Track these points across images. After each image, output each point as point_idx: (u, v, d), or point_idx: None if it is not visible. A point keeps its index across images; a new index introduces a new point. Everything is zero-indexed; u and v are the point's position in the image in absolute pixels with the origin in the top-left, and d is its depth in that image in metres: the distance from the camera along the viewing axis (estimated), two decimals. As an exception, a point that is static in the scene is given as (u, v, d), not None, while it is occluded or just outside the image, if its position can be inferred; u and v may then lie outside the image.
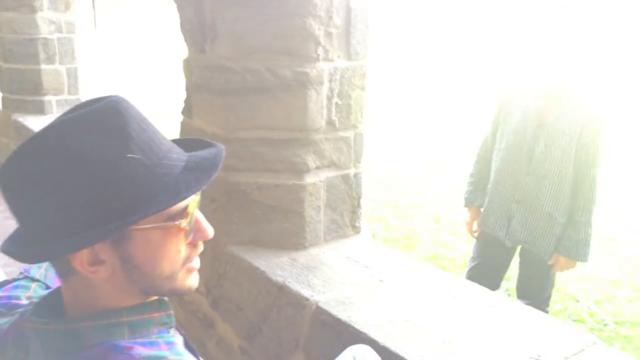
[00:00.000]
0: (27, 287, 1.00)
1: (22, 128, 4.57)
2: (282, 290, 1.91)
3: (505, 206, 2.44)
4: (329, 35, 1.99)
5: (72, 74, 4.89)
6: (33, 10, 4.60)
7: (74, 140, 0.68)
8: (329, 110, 2.08)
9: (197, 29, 2.08)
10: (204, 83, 2.12)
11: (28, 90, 4.77)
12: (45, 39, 4.69)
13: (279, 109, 2.03)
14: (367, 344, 1.45)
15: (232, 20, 1.97)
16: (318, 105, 2.04)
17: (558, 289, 3.51)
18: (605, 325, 3.21)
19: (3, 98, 4.99)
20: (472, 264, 2.64)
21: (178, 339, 0.78)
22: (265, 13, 1.93)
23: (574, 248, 2.37)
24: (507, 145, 2.43)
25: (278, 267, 2.02)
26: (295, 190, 2.10)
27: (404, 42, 15.82)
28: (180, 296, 1.36)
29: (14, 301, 0.93)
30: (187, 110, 2.28)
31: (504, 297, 2.13)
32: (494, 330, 1.61)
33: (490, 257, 2.58)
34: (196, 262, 0.85)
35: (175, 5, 2.16)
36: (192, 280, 0.84)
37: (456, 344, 1.53)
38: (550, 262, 2.43)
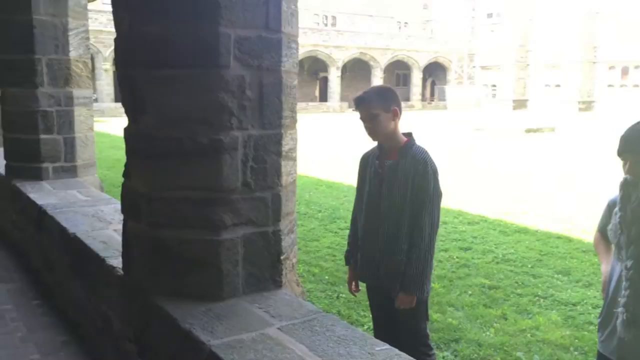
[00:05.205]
0: None
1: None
2: (187, 336, 2.08)
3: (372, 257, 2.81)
4: (242, 107, 2.26)
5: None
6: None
7: None
8: (244, 173, 2.32)
9: (130, 103, 2.38)
10: (136, 148, 2.40)
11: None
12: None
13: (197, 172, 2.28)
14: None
15: (156, 96, 2.26)
16: (233, 169, 2.28)
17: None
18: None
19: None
20: None
21: None
22: (184, 90, 2.22)
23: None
24: (366, 205, 2.82)
25: (190, 316, 2.19)
26: (213, 245, 2.31)
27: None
28: None
29: None
30: (127, 173, 2.55)
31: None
32: None
33: None
34: None
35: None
36: None
37: None
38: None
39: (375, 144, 2.88)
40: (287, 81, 2.41)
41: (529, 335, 3.90)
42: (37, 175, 5.18)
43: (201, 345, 1.99)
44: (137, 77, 2.33)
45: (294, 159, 2.58)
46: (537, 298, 4.67)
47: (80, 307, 3.37)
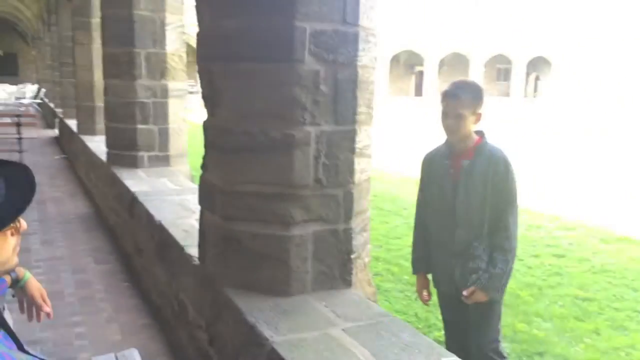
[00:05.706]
0: None
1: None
2: (251, 330, 2.09)
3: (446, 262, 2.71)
4: (316, 102, 2.22)
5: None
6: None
7: None
8: (316, 169, 2.28)
9: (208, 96, 2.42)
10: (212, 141, 2.44)
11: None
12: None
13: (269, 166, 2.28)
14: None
15: (232, 90, 2.28)
16: (304, 164, 2.25)
17: None
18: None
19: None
20: None
21: None
22: (258, 84, 2.22)
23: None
24: (437, 208, 2.71)
25: (257, 310, 2.20)
26: (282, 241, 2.30)
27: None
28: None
29: None
30: (204, 165, 2.60)
31: None
32: None
33: None
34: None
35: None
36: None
37: None
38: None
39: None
40: (364, 76, 2.34)
41: (623, 353, 3.58)
42: (133, 163, 5.48)
43: (264, 340, 1.98)
44: (215, 71, 2.36)
45: (369, 156, 2.52)
46: (635, 313, 4.27)
47: (161, 292, 3.52)
